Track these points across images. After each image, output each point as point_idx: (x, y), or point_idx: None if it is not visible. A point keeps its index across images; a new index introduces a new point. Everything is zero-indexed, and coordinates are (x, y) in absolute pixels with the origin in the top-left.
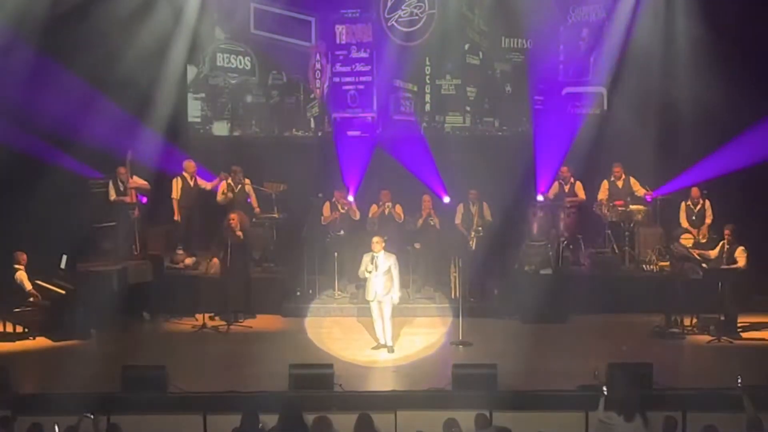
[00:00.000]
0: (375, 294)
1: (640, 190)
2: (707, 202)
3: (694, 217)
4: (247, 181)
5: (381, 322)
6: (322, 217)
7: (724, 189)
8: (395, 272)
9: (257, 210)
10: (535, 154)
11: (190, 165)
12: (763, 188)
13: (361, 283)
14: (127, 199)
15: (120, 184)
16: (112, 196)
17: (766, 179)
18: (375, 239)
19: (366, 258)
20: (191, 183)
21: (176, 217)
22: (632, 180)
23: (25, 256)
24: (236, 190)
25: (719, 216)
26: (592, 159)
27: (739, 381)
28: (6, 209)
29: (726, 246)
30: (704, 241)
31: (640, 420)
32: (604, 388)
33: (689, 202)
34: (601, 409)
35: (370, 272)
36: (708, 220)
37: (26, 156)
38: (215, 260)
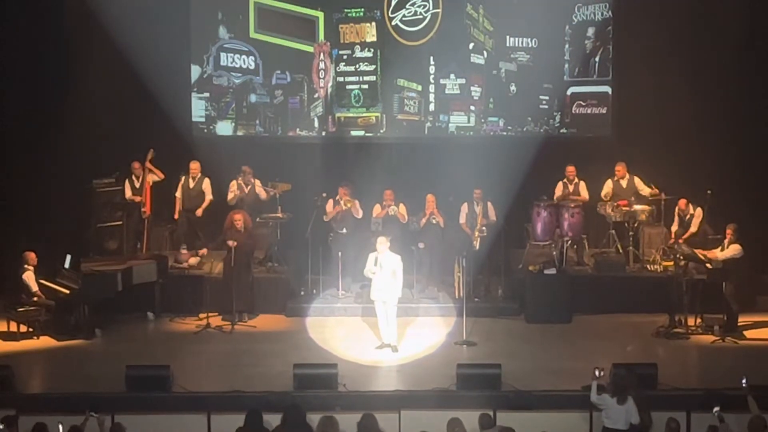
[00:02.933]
0: (379, 294)
1: (644, 189)
2: (698, 210)
3: (684, 225)
4: (257, 182)
5: (385, 322)
6: (325, 215)
7: (727, 188)
8: (399, 273)
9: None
10: (536, 154)
11: (194, 166)
12: (763, 186)
13: (366, 283)
14: (138, 198)
15: (135, 180)
16: (128, 194)
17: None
18: (380, 239)
19: (371, 257)
20: (191, 184)
21: (176, 216)
22: (636, 179)
23: (34, 256)
24: (246, 191)
25: (721, 216)
26: (597, 159)
27: (744, 382)
28: (10, 208)
29: (726, 245)
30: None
31: (632, 402)
32: (597, 372)
33: (678, 210)
34: (594, 393)
35: (374, 273)
36: (693, 229)
37: (30, 154)
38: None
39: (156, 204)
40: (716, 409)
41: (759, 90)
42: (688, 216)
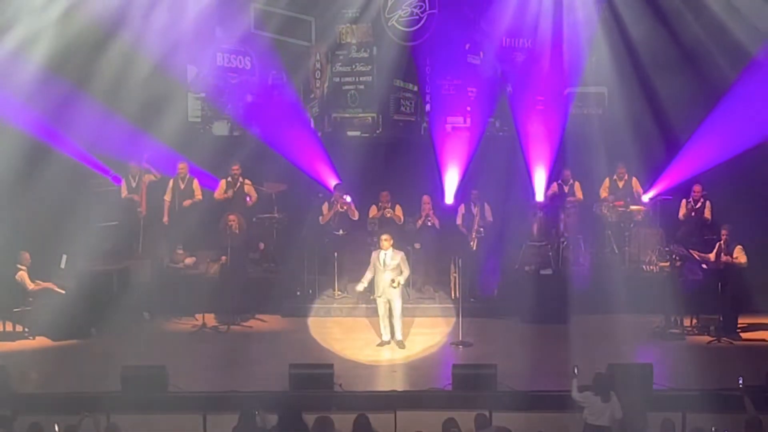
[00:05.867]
0: (383, 291)
1: (639, 191)
2: (708, 203)
3: (693, 214)
4: (247, 181)
5: (387, 320)
6: (321, 217)
7: (721, 189)
8: (405, 268)
9: (251, 202)
10: (533, 154)
11: (182, 167)
12: (758, 187)
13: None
14: (136, 197)
15: (131, 180)
16: (124, 193)
17: (760, 177)
18: (384, 237)
19: (374, 255)
20: (182, 185)
21: (165, 219)
22: (634, 180)
23: (27, 256)
24: (236, 189)
25: (717, 216)
26: (593, 159)
27: (741, 382)
28: (7, 208)
29: (723, 246)
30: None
31: (615, 399)
32: (575, 370)
33: (690, 199)
34: (574, 391)
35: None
36: (707, 215)
37: (30, 155)
38: (222, 258)
39: (154, 204)
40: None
41: (757, 91)
42: (699, 204)
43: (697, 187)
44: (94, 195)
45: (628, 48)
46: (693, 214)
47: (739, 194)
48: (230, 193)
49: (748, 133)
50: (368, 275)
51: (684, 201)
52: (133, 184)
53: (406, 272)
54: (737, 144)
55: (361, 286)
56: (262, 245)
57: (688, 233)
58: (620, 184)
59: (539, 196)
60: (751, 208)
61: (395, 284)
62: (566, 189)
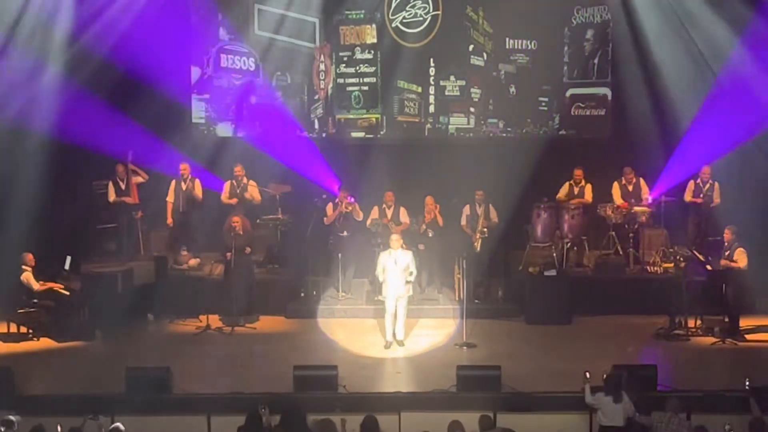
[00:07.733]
0: (393, 290)
1: (645, 193)
2: (716, 184)
3: (701, 195)
4: (252, 182)
5: (393, 320)
6: (325, 218)
7: (725, 189)
8: (413, 269)
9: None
10: (542, 156)
11: (183, 168)
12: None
13: (372, 287)
14: (129, 199)
15: (120, 183)
16: (111, 196)
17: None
18: (394, 237)
19: (383, 256)
20: (184, 186)
21: (168, 221)
22: (642, 182)
23: (31, 257)
24: (239, 192)
25: (720, 219)
26: (595, 160)
27: (747, 383)
28: (10, 210)
29: (728, 248)
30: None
31: (627, 398)
32: (587, 374)
33: (699, 180)
34: (587, 395)
35: (382, 281)
36: (717, 200)
37: (30, 157)
38: (228, 255)
39: (155, 205)
40: (727, 426)
41: (755, 92)
42: (708, 186)
43: (706, 168)
44: (97, 196)
45: (634, 48)
46: (701, 196)
47: (746, 192)
48: (235, 199)
49: (747, 126)
50: (381, 278)
51: (692, 182)
52: (122, 187)
53: (415, 273)
54: (737, 137)
55: (385, 292)
56: (248, 249)
57: (697, 228)
58: (630, 188)
59: (544, 198)
60: (754, 204)
61: (408, 284)
62: (576, 190)
